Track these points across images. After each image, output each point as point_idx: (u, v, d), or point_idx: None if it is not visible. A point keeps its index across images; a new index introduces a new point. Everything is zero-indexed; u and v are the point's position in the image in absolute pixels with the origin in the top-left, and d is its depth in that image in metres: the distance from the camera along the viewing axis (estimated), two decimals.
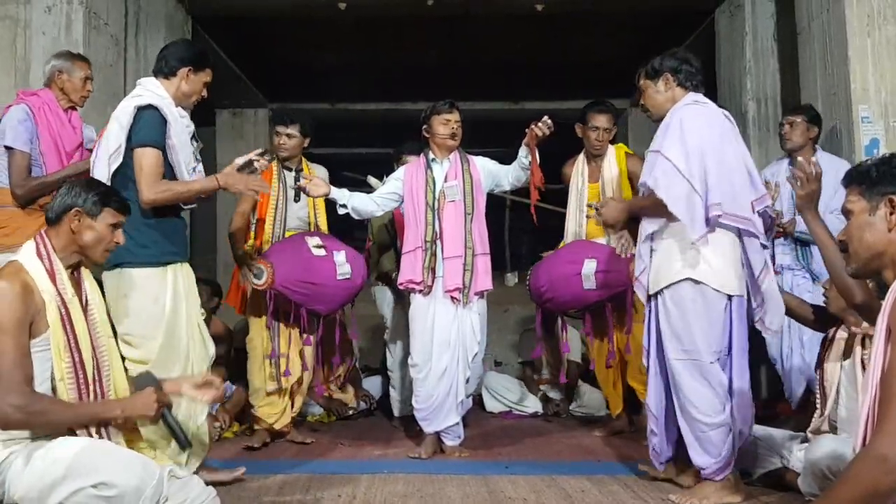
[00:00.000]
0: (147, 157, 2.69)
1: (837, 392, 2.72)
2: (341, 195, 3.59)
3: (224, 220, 6.71)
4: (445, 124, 3.62)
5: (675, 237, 2.73)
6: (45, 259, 2.10)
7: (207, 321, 3.06)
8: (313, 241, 3.65)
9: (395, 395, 4.45)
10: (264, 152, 3.05)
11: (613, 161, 4.02)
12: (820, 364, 2.84)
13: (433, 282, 3.54)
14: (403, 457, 3.54)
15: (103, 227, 2.18)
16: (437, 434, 3.59)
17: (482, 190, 3.66)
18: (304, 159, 3.98)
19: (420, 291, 3.55)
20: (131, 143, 2.71)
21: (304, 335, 3.71)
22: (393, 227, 4.36)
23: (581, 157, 4.15)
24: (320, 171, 4.02)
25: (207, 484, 2.13)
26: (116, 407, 2.09)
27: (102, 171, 2.74)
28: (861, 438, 1.56)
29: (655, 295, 2.81)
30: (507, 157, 3.74)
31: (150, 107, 2.74)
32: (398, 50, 6.45)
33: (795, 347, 3.76)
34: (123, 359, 2.44)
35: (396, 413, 4.44)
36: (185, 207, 2.92)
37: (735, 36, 5.23)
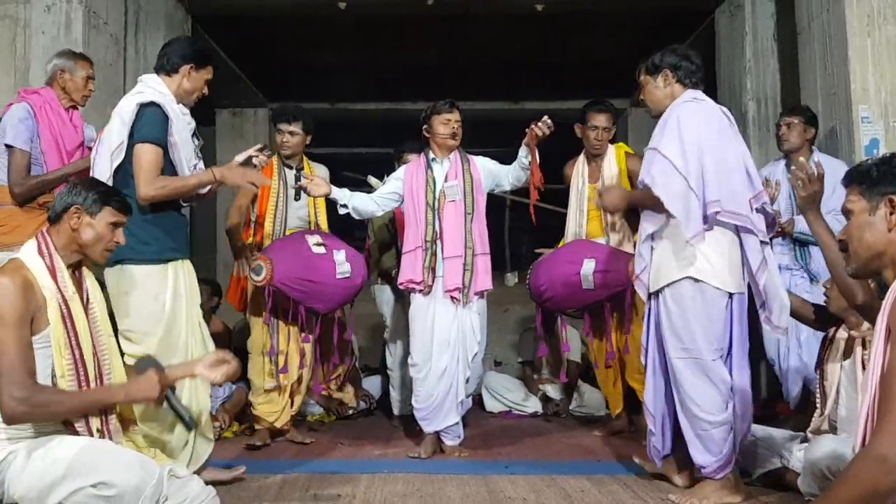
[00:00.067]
0: (146, 154, 2.69)
1: (837, 392, 2.72)
2: (342, 195, 3.59)
3: (224, 219, 6.71)
4: (446, 124, 3.62)
5: (676, 236, 2.73)
6: (47, 257, 2.10)
7: (207, 320, 3.06)
8: (313, 240, 3.65)
9: (394, 394, 4.46)
10: (263, 148, 3.05)
11: (613, 160, 4.02)
12: (820, 364, 2.84)
13: (433, 281, 3.54)
14: (403, 456, 3.54)
15: (103, 225, 2.18)
16: (437, 434, 3.59)
17: (482, 190, 3.66)
18: (305, 158, 3.98)
19: (420, 291, 3.55)
20: (133, 139, 2.72)
21: (303, 333, 3.71)
22: (394, 226, 4.36)
23: (581, 157, 4.16)
24: (321, 171, 4.02)
25: (207, 483, 2.13)
26: (120, 391, 2.11)
27: (104, 167, 2.74)
28: (860, 438, 1.56)
29: (656, 293, 2.81)
30: (507, 157, 3.74)
31: (152, 104, 2.74)
32: (398, 49, 6.45)
33: (793, 347, 3.77)
34: (123, 355, 2.44)
35: (396, 412, 4.44)
36: (185, 204, 2.92)
37: (735, 36, 5.23)
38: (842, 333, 2.77)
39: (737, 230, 2.72)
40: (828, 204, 3.28)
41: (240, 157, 2.98)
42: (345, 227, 4.50)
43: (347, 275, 3.64)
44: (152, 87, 2.80)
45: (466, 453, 3.58)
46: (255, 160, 3.00)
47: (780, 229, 3.67)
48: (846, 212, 1.77)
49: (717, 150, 2.72)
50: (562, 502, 2.74)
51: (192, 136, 2.90)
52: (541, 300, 4.05)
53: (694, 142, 2.70)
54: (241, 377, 4.06)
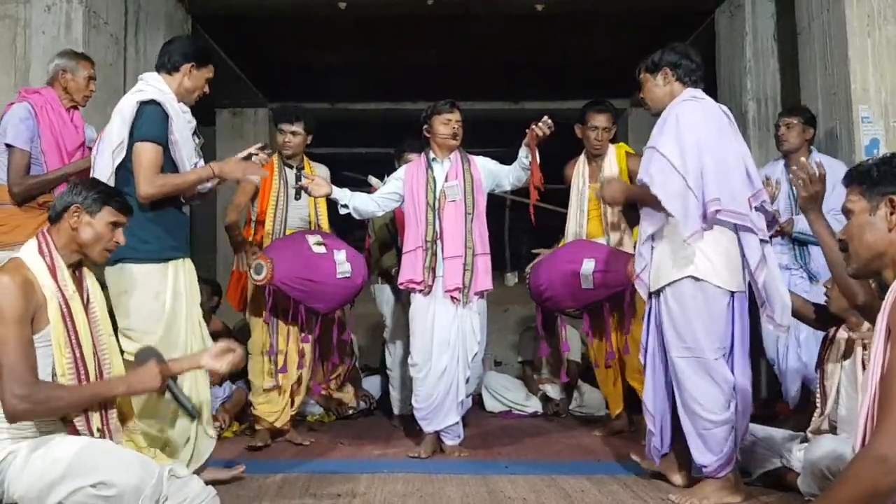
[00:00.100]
0: (146, 152, 2.69)
1: (838, 392, 2.72)
2: (343, 195, 3.59)
3: (222, 218, 6.71)
4: (446, 124, 3.61)
5: (676, 235, 2.73)
6: (47, 256, 2.10)
7: (207, 320, 3.07)
8: (314, 239, 3.65)
9: (394, 393, 4.46)
10: (264, 147, 3.05)
11: (614, 160, 4.02)
12: (820, 364, 2.84)
13: (433, 281, 3.54)
14: (403, 456, 3.54)
15: (102, 224, 2.18)
16: (437, 434, 3.59)
17: (483, 190, 3.66)
18: (305, 158, 3.98)
19: (420, 291, 3.55)
20: (133, 138, 2.72)
21: (303, 333, 3.71)
22: (394, 225, 4.36)
23: (582, 157, 4.16)
24: (322, 171, 4.02)
25: (207, 483, 2.13)
26: (121, 383, 2.11)
27: (106, 165, 2.74)
28: (860, 438, 1.56)
29: (657, 292, 2.81)
30: (507, 157, 3.74)
31: (152, 102, 2.74)
32: (398, 49, 6.45)
33: (792, 346, 3.77)
34: (123, 353, 2.44)
35: (396, 411, 4.44)
36: (186, 202, 2.92)
37: (735, 36, 5.23)
38: (842, 334, 2.77)
39: (736, 229, 2.72)
40: (827, 203, 3.28)
41: (240, 155, 2.98)
42: (345, 228, 4.50)
43: (348, 275, 3.64)
44: (153, 86, 2.80)
45: (466, 453, 3.58)
46: (255, 158, 3.00)
47: (779, 228, 3.68)
48: (846, 211, 1.76)
49: (717, 149, 2.71)
50: (562, 502, 2.74)
51: (193, 134, 2.90)
52: (541, 300, 4.05)
53: (693, 141, 2.70)
54: (242, 377, 4.10)
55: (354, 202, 3.60)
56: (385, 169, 4.33)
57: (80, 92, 3.41)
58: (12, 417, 1.93)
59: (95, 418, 2.06)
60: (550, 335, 4.23)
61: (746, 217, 2.68)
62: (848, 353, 2.73)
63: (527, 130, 3.46)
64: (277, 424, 3.74)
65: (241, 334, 4.31)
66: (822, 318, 2.87)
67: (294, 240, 3.69)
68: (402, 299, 4.08)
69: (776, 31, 5.00)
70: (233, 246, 3.81)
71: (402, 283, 3.62)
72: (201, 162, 2.92)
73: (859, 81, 3.78)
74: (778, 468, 2.80)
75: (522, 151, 3.52)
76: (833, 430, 2.71)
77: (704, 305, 2.68)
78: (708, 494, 2.68)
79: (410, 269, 3.56)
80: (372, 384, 5.10)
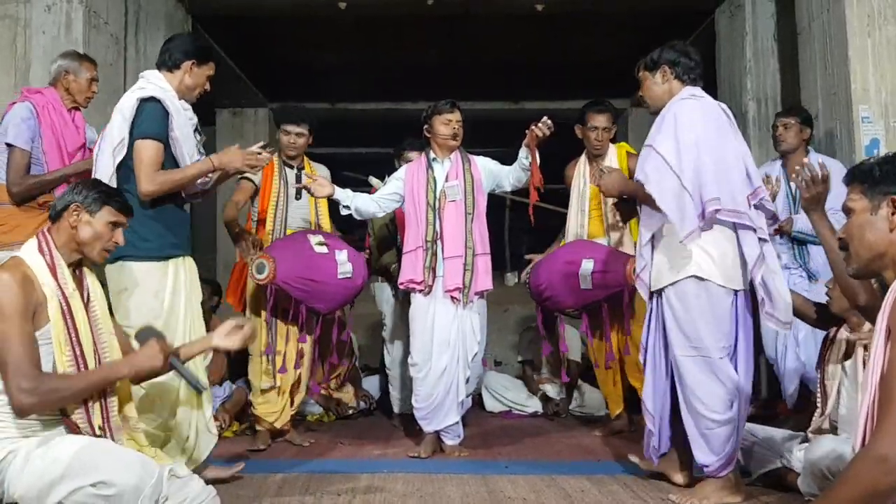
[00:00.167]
0: (147, 150, 2.69)
1: (838, 392, 2.72)
2: (345, 196, 3.59)
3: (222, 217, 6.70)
4: (447, 124, 3.61)
5: (677, 235, 2.72)
6: (47, 255, 2.11)
7: (207, 319, 3.07)
8: (315, 239, 3.65)
9: (394, 393, 4.46)
10: (265, 146, 3.06)
11: (614, 160, 4.02)
12: (821, 364, 2.84)
13: (433, 281, 3.54)
14: (403, 456, 3.54)
15: (101, 224, 2.18)
16: (437, 433, 3.59)
17: (483, 190, 3.66)
18: (306, 158, 3.98)
19: (420, 291, 3.55)
20: (133, 135, 2.72)
21: (301, 333, 3.71)
22: (394, 225, 4.36)
23: (582, 157, 4.16)
24: (322, 171, 4.02)
25: (208, 482, 2.13)
26: (124, 365, 2.12)
27: (107, 163, 2.75)
28: (860, 438, 1.55)
29: (658, 292, 2.80)
30: (507, 157, 3.74)
31: (152, 99, 2.74)
32: (398, 49, 6.45)
33: (790, 345, 3.79)
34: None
35: (396, 410, 4.44)
36: (187, 199, 2.91)
37: (735, 36, 5.23)
38: (843, 334, 2.76)
39: (735, 227, 2.70)
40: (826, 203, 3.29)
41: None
42: (344, 227, 4.51)
43: (349, 275, 3.64)
44: (153, 83, 2.81)
45: (466, 453, 3.58)
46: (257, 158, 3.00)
47: (778, 227, 3.68)
48: (847, 210, 1.76)
49: (716, 147, 2.70)
50: (562, 502, 2.74)
51: (195, 131, 2.90)
52: (540, 299, 4.05)
53: (690, 140, 2.68)
54: (242, 377, 4.10)
55: (356, 203, 3.60)
56: (385, 169, 4.33)
57: (82, 93, 3.41)
58: (20, 412, 1.94)
59: (96, 415, 2.07)
60: (551, 335, 4.24)
61: (745, 215, 2.67)
62: (849, 353, 2.72)
63: (526, 131, 3.46)
64: (277, 425, 3.73)
65: None
66: (822, 317, 2.87)
67: (295, 240, 3.70)
68: (403, 298, 4.08)
69: (776, 31, 5.00)
70: (232, 238, 3.80)
71: (402, 283, 3.62)
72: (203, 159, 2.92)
73: (859, 81, 3.78)
74: (778, 468, 2.80)
75: (522, 152, 3.51)
76: (834, 430, 2.70)
77: (708, 305, 2.67)
78: (708, 494, 2.68)
79: (411, 268, 3.56)
80: (371, 384, 5.10)
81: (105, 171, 2.74)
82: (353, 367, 5.00)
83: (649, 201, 2.75)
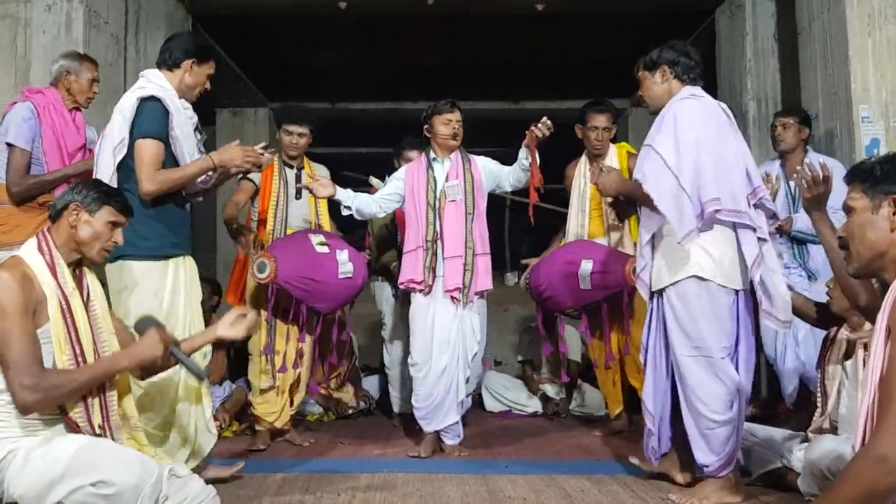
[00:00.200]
0: (147, 149, 2.69)
1: (839, 392, 2.72)
2: (346, 196, 3.59)
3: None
4: (447, 124, 3.61)
5: (676, 235, 2.72)
6: (46, 254, 2.11)
7: (207, 319, 3.07)
8: (317, 239, 3.64)
9: (394, 392, 4.46)
10: (266, 147, 3.05)
11: (615, 160, 4.02)
12: (821, 364, 2.84)
13: (433, 281, 3.54)
14: (403, 456, 3.54)
15: (101, 224, 2.18)
16: (437, 433, 3.59)
17: (483, 190, 3.66)
18: (305, 158, 3.98)
19: (420, 291, 3.55)
20: (134, 134, 2.72)
21: (301, 333, 3.70)
22: (394, 225, 4.36)
23: (583, 158, 4.16)
24: (322, 171, 4.02)
25: (208, 481, 2.13)
26: (125, 357, 2.12)
27: (107, 163, 2.75)
28: (860, 438, 1.55)
29: (659, 292, 2.80)
30: (507, 157, 3.74)
31: (152, 98, 2.74)
32: (398, 49, 6.45)
33: (790, 344, 3.79)
34: None
35: (396, 410, 4.44)
36: (187, 198, 2.91)
37: (735, 36, 5.23)
38: (843, 335, 2.76)
39: (734, 227, 2.70)
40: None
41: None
42: (344, 228, 4.51)
43: (350, 275, 3.64)
44: (154, 82, 2.81)
45: (466, 453, 3.58)
46: (260, 158, 3.00)
47: (778, 226, 3.68)
48: (847, 209, 1.75)
49: (716, 147, 2.70)
50: (562, 502, 2.74)
51: (195, 130, 2.90)
52: (541, 300, 4.05)
53: (690, 141, 2.67)
54: (242, 377, 4.10)
55: (357, 204, 3.61)
56: (385, 169, 4.33)
57: (83, 94, 3.41)
58: (24, 409, 1.94)
59: (96, 414, 2.07)
60: (551, 335, 4.24)
61: (745, 215, 2.67)
62: (849, 353, 2.72)
63: (526, 132, 3.45)
64: (277, 425, 3.73)
65: None
66: (823, 317, 2.87)
67: (297, 239, 3.69)
68: (402, 298, 4.08)
69: (776, 31, 5.00)
70: (232, 235, 3.80)
71: (402, 283, 3.62)
72: None
73: (860, 81, 3.78)
74: (778, 468, 2.80)
75: (522, 153, 3.51)
76: (834, 430, 2.70)
77: (709, 305, 2.67)
78: (708, 494, 2.68)
79: (411, 268, 3.56)
80: (371, 384, 5.10)
81: (106, 171, 2.74)
82: (353, 366, 5.00)
83: (647, 201, 2.75)
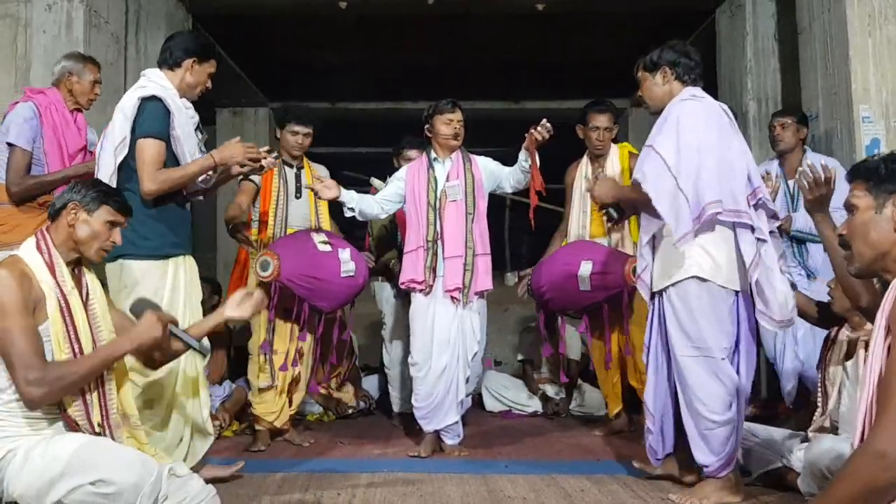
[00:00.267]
0: (148, 148, 2.70)
1: (839, 392, 2.71)
2: (349, 198, 3.59)
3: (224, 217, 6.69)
4: (448, 124, 3.60)
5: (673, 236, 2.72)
6: (45, 253, 2.11)
7: None
8: (319, 238, 3.64)
9: (394, 392, 4.45)
10: (269, 150, 3.05)
11: (616, 160, 4.02)
12: (822, 364, 2.84)
13: (434, 281, 3.54)
14: (403, 455, 3.54)
15: (99, 223, 2.18)
16: (437, 433, 3.58)
17: (484, 190, 3.65)
18: (305, 157, 3.98)
19: (421, 291, 3.55)
20: (135, 134, 2.72)
21: (302, 332, 3.70)
22: (393, 225, 4.36)
23: (584, 158, 4.16)
24: (322, 171, 4.02)
25: (207, 481, 2.13)
26: (125, 342, 2.12)
27: (108, 162, 2.75)
28: (859, 435, 1.55)
29: (660, 292, 2.80)
30: (507, 157, 3.74)
31: (153, 98, 2.74)
32: (399, 49, 6.45)
33: (789, 344, 3.80)
34: None
35: (396, 410, 4.44)
36: (188, 197, 2.91)
37: (736, 36, 5.23)
38: (844, 335, 2.76)
39: (734, 227, 2.69)
40: None
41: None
42: (344, 228, 4.51)
43: (352, 273, 3.63)
44: (154, 82, 2.81)
45: (466, 452, 3.58)
46: (263, 162, 3.00)
47: (778, 226, 3.68)
48: (850, 207, 1.73)
49: (718, 148, 2.69)
50: (561, 502, 2.74)
51: (196, 129, 2.90)
52: (542, 301, 4.05)
53: (692, 143, 2.67)
54: (242, 376, 4.09)
55: (360, 205, 3.60)
56: (385, 168, 4.33)
57: (84, 95, 3.41)
58: (32, 404, 1.95)
59: (95, 412, 2.07)
60: (552, 336, 4.24)
61: (745, 215, 2.66)
62: (850, 354, 2.72)
63: (526, 135, 3.44)
64: (277, 424, 3.73)
65: (242, 334, 4.31)
66: (824, 316, 2.87)
67: (299, 238, 3.69)
68: (403, 297, 4.08)
69: (777, 31, 5.00)
70: (232, 233, 3.80)
71: (403, 283, 3.61)
72: None
73: (860, 81, 3.78)
74: (778, 468, 2.80)
75: (522, 155, 3.50)
76: (834, 430, 2.70)
77: (710, 305, 2.67)
78: (708, 494, 2.67)
79: (412, 268, 3.56)
80: (371, 384, 5.10)
81: (106, 171, 2.74)
82: (353, 366, 4.99)
83: (644, 204, 2.75)
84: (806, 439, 2.78)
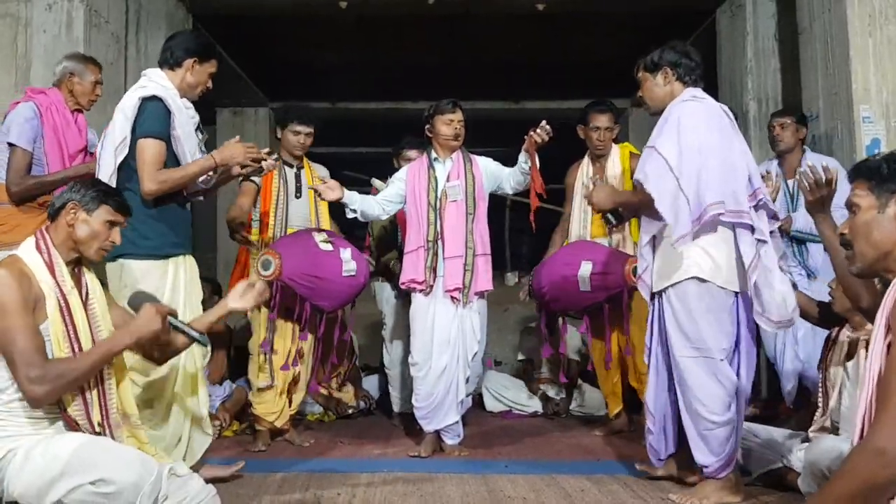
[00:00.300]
0: (149, 149, 2.69)
1: (840, 392, 2.71)
2: (352, 199, 3.59)
3: (225, 218, 6.71)
4: (449, 124, 3.60)
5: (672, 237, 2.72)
6: (45, 253, 2.11)
7: None
8: (320, 237, 3.64)
9: (394, 392, 4.45)
10: (270, 153, 3.05)
11: (617, 160, 4.02)
12: (823, 365, 2.84)
13: (434, 281, 3.54)
14: (403, 455, 3.54)
15: (98, 223, 2.17)
16: (437, 433, 3.58)
17: (484, 190, 3.65)
18: (304, 157, 3.98)
19: (421, 291, 3.55)
20: (135, 134, 2.72)
21: (303, 331, 3.70)
22: (393, 225, 4.36)
23: (586, 158, 4.16)
24: (321, 171, 4.02)
25: (207, 480, 2.13)
26: (124, 336, 2.11)
27: (109, 162, 2.75)
28: (858, 432, 1.55)
29: (659, 293, 2.80)
30: (507, 157, 3.73)
31: (154, 98, 2.74)
32: (399, 49, 6.45)
33: (789, 343, 3.81)
34: None
35: (396, 410, 4.44)
36: (188, 197, 2.91)
37: (736, 35, 5.23)
38: (844, 336, 2.76)
39: (733, 227, 2.69)
40: None
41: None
42: (344, 228, 4.51)
43: (353, 273, 3.63)
44: (155, 81, 2.81)
45: (466, 452, 3.58)
46: (263, 164, 3.00)
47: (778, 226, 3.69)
48: (851, 206, 1.72)
49: (719, 149, 2.69)
50: (562, 501, 2.74)
51: (196, 129, 2.90)
52: (542, 301, 4.05)
53: (694, 144, 2.67)
54: (242, 376, 4.09)
55: (362, 207, 3.60)
56: (385, 168, 4.33)
57: (85, 96, 3.41)
58: (35, 402, 1.95)
59: (95, 411, 2.06)
60: (552, 336, 4.24)
61: (747, 215, 2.66)
62: (851, 354, 2.71)
63: (525, 137, 3.44)
64: (277, 424, 3.73)
65: (242, 334, 4.31)
66: (825, 316, 2.87)
67: (300, 237, 3.69)
68: (403, 298, 4.08)
69: (777, 31, 5.00)
70: (232, 232, 3.80)
71: (404, 283, 3.61)
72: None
73: (860, 81, 3.78)
74: (778, 468, 2.80)
75: (522, 157, 3.50)
76: (835, 430, 2.70)
77: (709, 306, 2.67)
78: (708, 494, 2.67)
79: (412, 268, 3.55)
80: (371, 384, 5.10)
81: (107, 170, 2.74)
82: (354, 366, 4.99)
83: (644, 208, 2.75)
84: (806, 439, 2.78)
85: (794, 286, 2.88)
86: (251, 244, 3.70)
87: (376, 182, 4.41)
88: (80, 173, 3.19)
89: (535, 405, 4.88)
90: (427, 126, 3.67)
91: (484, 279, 3.57)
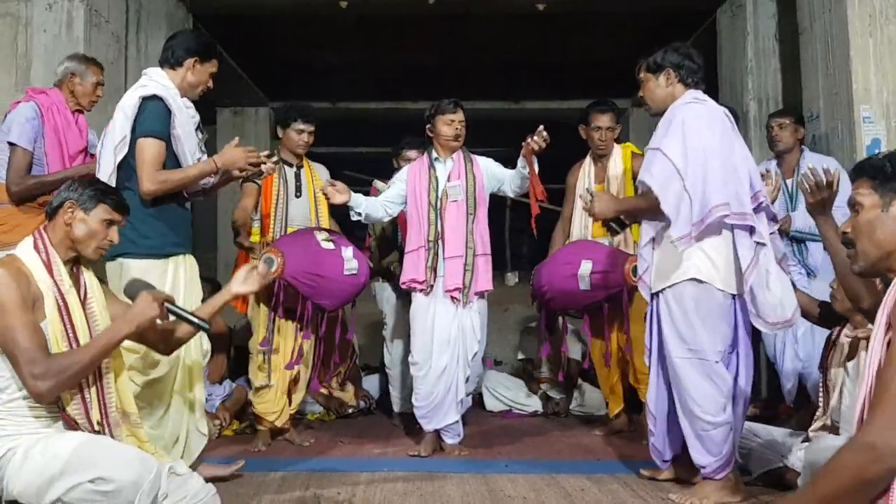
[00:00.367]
0: (148, 148, 2.69)
1: (840, 391, 2.71)
2: (357, 202, 3.59)
3: (225, 217, 6.72)
4: (449, 124, 3.60)
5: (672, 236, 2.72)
6: (43, 252, 2.11)
7: None
8: (322, 235, 3.64)
9: (394, 392, 4.45)
10: (270, 154, 3.05)
11: (619, 160, 4.02)
12: (823, 365, 2.84)
13: (434, 281, 3.54)
14: (403, 455, 3.54)
15: (96, 222, 2.17)
16: (437, 432, 3.58)
17: (484, 191, 3.65)
18: (304, 157, 3.97)
19: (422, 291, 3.55)
20: (135, 133, 2.72)
21: (304, 331, 3.70)
22: (392, 225, 4.35)
23: (587, 158, 4.15)
24: (321, 171, 4.01)
25: (207, 480, 2.13)
26: (123, 325, 2.11)
27: (108, 161, 2.75)
28: (855, 429, 1.54)
29: (658, 294, 2.80)
30: (507, 157, 3.73)
31: (154, 97, 2.74)
32: (399, 49, 6.46)
33: (789, 343, 3.81)
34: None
35: (396, 409, 4.44)
36: (188, 198, 2.91)
37: (736, 36, 5.23)
38: (845, 337, 2.75)
39: (732, 229, 2.69)
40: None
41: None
42: (344, 228, 4.51)
43: (355, 271, 3.63)
44: (156, 81, 2.81)
45: (466, 452, 3.58)
46: (263, 167, 3.00)
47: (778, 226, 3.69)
48: (854, 204, 1.71)
49: (722, 151, 2.69)
50: (562, 501, 2.74)
51: (197, 129, 2.90)
52: (543, 300, 4.06)
53: (698, 146, 2.67)
54: (242, 375, 4.09)
55: (366, 209, 3.61)
56: (385, 168, 4.33)
57: (86, 97, 3.41)
58: (40, 398, 1.96)
59: (94, 410, 2.07)
60: (553, 335, 4.24)
61: (751, 217, 2.66)
62: (852, 355, 2.71)
63: (522, 144, 3.43)
64: (278, 424, 3.72)
65: (242, 334, 4.31)
66: (826, 315, 2.87)
67: (302, 235, 3.68)
68: (403, 298, 4.08)
69: (777, 31, 5.00)
70: (235, 234, 3.80)
71: (404, 283, 3.61)
72: (205, 157, 2.91)
73: (861, 81, 3.78)
74: (778, 468, 2.80)
75: (521, 162, 3.50)
76: (835, 429, 2.70)
77: (707, 308, 2.67)
78: (708, 494, 2.68)
79: (413, 268, 3.55)
80: (371, 383, 5.10)
81: (106, 169, 2.74)
82: (354, 366, 4.99)
83: (647, 212, 2.75)
84: (807, 439, 2.78)
85: (794, 286, 2.87)
86: (252, 250, 3.69)
87: (378, 183, 4.41)
88: (81, 174, 3.18)
89: (535, 405, 4.88)
90: (428, 126, 3.66)
91: (484, 279, 3.57)
